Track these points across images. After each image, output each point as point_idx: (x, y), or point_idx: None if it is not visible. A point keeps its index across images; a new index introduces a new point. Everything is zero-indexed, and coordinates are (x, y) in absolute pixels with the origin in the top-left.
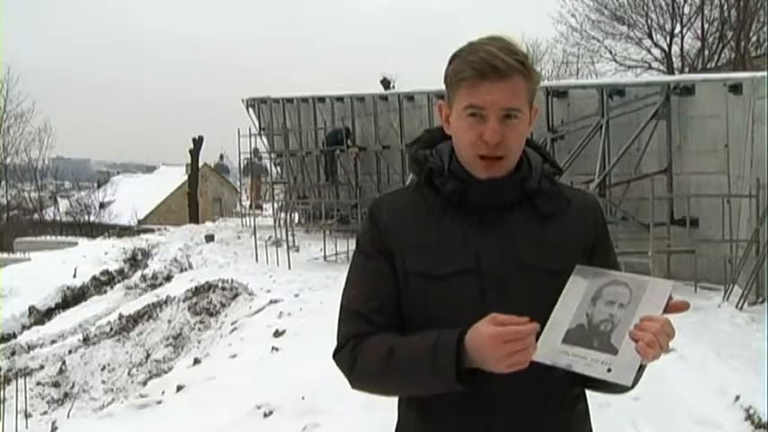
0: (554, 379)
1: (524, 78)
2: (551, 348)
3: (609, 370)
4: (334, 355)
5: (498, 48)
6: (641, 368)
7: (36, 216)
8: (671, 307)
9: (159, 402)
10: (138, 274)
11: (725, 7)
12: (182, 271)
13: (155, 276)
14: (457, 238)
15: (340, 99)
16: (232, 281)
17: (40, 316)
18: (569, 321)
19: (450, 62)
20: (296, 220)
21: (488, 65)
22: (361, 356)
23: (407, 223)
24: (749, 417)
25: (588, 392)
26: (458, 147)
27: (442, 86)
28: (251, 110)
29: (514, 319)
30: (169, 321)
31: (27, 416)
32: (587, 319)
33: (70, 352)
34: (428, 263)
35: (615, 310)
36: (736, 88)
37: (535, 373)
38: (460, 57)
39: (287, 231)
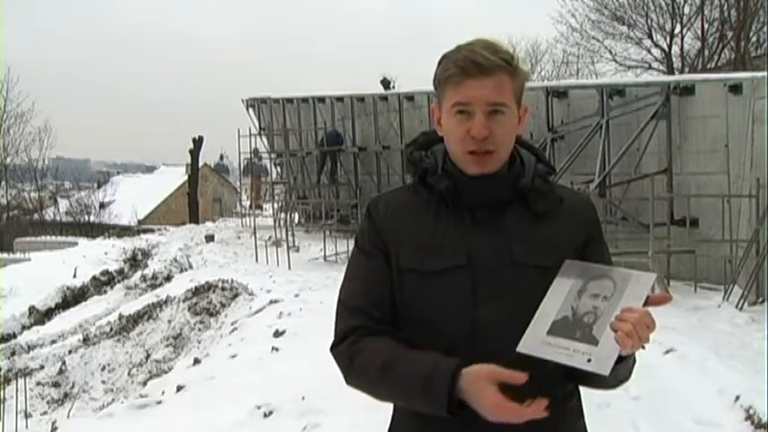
0: (545, 374)
1: (509, 75)
2: (536, 340)
3: (589, 360)
4: (332, 349)
5: (482, 47)
6: (625, 359)
7: (36, 216)
8: (651, 299)
9: (159, 402)
10: (138, 274)
11: (725, 7)
12: (182, 271)
13: (155, 276)
14: (451, 236)
15: (340, 99)
16: (232, 281)
17: (40, 316)
18: (555, 314)
19: (438, 64)
20: (296, 220)
21: (471, 62)
22: (357, 358)
23: (403, 222)
24: (749, 417)
25: (589, 392)
26: (449, 145)
27: None
28: (251, 110)
29: (516, 375)
30: (169, 321)
31: (27, 416)
32: (572, 311)
33: (70, 352)
34: (422, 260)
35: (599, 303)
36: (736, 88)
37: (527, 368)
38: (447, 58)
39: (287, 231)
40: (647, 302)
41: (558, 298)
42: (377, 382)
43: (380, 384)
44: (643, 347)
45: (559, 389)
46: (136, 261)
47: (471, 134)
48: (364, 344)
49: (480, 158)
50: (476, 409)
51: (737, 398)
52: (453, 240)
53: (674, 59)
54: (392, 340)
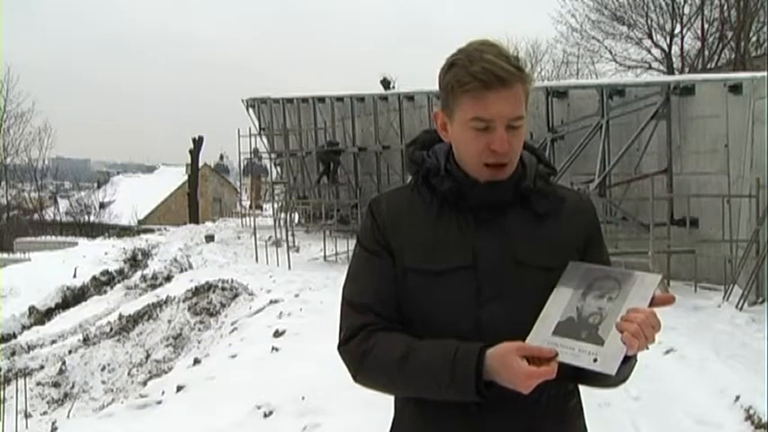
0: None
1: (522, 83)
2: (541, 340)
3: (595, 360)
4: (340, 347)
5: (496, 55)
6: (629, 359)
7: (36, 216)
8: (656, 300)
9: (159, 402)
10: (138, 274)
11: (725, 7)
12: (182, 271)
13: (155, 276)
14: (454, 236)
15: (340, 99)
16: (232, 281)
17: (40, 316)
18: (560, 314)
19: (447, 69)
20: (296, 220)
21: (493, 75)
22: (371, 354)
23: (405, 221)
24: (749, 417)
25: (589, 392)
26: (462, 155)
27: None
28: (251, 110)
29: (544, 351)
30: (169, 321)
31: (27, 416)
32: (577, 312)
33: (70, 352)
34: (425, 260)
35: (604, 304)
36: (736, 88)
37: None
38: (459, 65)
39: (287, 231)
40: (653, 303)
41: (562, 299)
42: (395, 374)
43: (399, 376)
44: (647, 347)
45: (561, 389)
46: (136, 261)
47: (492, 148)
48: (376, 339)
49: (496, 170)
50: (505, 385)
51: (737, 398)
52: (457, 241)
53: (674, 59)
54: (405, 334)
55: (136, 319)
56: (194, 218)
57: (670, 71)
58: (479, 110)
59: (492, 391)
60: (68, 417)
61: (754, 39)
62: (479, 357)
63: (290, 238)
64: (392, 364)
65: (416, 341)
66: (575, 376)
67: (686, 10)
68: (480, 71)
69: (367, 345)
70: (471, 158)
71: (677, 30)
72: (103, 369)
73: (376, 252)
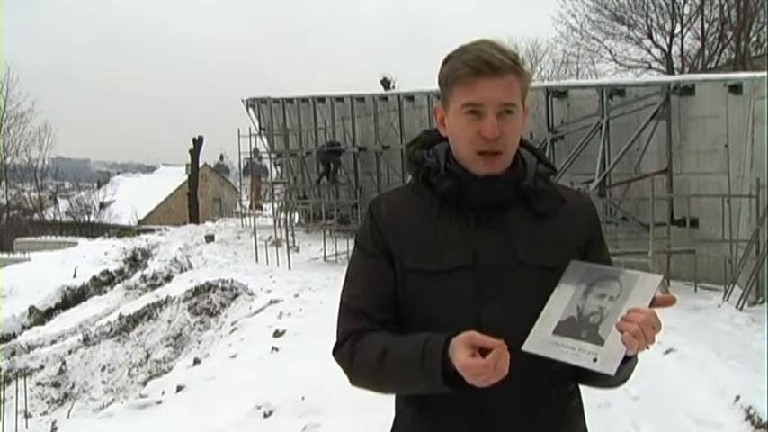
0: (549, 374)
1: (517, 76)
2: (542, 339)
3: (595, 360)
4: (334, 351)
5: (490, 47)
6: (629, 359)
7: (36, 216)
8: (657, 300)
9: (159, 402)
10: (138, 274)
11: (725, 7)
12: (182, 271)
13: (155, 276)
14: (454, 236)
15: (340, 99)
16: (232, 281)
17: (40, 316)
18: (561, 314)
19: (443, 64)
20: (296, 220)
21: (483, 61)
22: (357, 355)
23: (405, 221)
24: (749, 417)
25: (589, 392)
26: (456, 145)
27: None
28: (251, 110)
29: (489, 340)
30: (169, 321)
31: (27, 416)
32: (578, 311)
33: (70, 352)
34: (426, 260)
35: (605, 303)
36: (736, 88)
37: (530, 368)
38: (454, 57)
39: (287, 231)
40: (654, 303)
41: (563, 298)
42: (377, 372)
43: (381, 373)
44: (647, 348)
45: (562, 389)
46: (136, 261)
47: (483, 134)
48: (363, 341)
49: (489, 159)
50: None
51: (737, 398)
52: (457, 240)
53: (674, 59)
54: (388, 332)
55: (136, 319)
56: (194, 218)
57: (670, 71)
58: (470, 94)
59: (461, 383)
60: (68, 417)
61: (754, 39)
62: (445, 347)
63: (290, 238)
64: (373, 362)
65: (396, 338)
66: (575, 376)
67: (686, 10)
68: (472, 59)
69: (355, 347)
70: (464, 147)
71: (677, 30)
72: (103, 369)
73: (373, 254)
